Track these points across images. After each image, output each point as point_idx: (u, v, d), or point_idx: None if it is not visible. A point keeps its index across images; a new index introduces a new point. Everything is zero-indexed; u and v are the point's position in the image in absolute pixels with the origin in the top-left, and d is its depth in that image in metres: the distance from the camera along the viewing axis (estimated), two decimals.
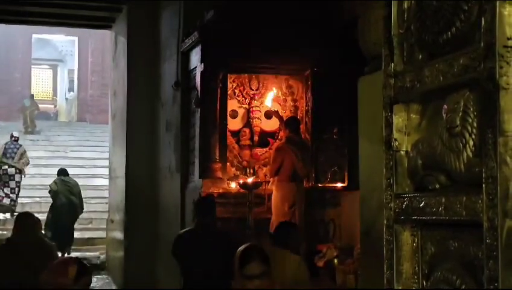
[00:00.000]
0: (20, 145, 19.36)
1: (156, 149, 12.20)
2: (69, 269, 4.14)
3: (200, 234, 7.11)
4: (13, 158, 18.75)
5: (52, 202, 16.25)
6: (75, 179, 17.98)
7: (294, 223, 8.23)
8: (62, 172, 16.71)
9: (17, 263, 7.09)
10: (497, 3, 2.16)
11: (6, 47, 32.74)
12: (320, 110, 10.04)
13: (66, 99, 37.54)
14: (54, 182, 16.32)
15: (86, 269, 4.31)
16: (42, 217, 18.71)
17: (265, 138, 10.54)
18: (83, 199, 16.77)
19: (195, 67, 9.97)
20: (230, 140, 10.25)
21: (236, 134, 10.44)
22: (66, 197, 16.06)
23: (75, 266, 4.16)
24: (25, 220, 7.79)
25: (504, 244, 2.11)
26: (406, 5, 2.70)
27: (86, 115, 32.96)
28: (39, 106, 30.84)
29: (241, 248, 4.62)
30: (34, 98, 31.20)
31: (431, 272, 2.57)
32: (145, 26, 12.53)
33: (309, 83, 10.18)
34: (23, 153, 19.08)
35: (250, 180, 9.46)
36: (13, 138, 19.24)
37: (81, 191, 17.21)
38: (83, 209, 16.62)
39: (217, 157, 9.63)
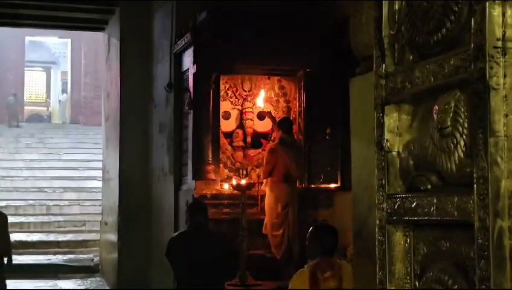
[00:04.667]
0: None
1: (149, 151, 12.19)
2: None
3: (194, 236, 7.09)
4: None
5: None
6: (68, 181, 19.53)
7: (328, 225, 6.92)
8: None
9: None
10: (487, 4, 2.16)
11: None
12: (313, 110, 10.03)
13: (59, 101, 37.44)
14: None
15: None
16: (35, 219, 18.85)
17: (258, 139, 10.53)
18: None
19: (188, 68, 9.96)
20: (223, 141, 10.24)
21: (229, 135, 10.43)
22: None
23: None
24: None
25: (495, 244, 2.12)
26: (396, 6, 2.70)
27: (79, 117, 32.87)
28: (32, 108, 31.51)
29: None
30: (27, 99, 31.90)
31: (423, 272, 2.58)
32: (138, 28, 12.52)
33: (301, 83, 10.17)
34: None
35: (243, 181, 9.45)
36: None
37: (75, 193, 20.40)
38: None
39: (210, 159, 9.61)
